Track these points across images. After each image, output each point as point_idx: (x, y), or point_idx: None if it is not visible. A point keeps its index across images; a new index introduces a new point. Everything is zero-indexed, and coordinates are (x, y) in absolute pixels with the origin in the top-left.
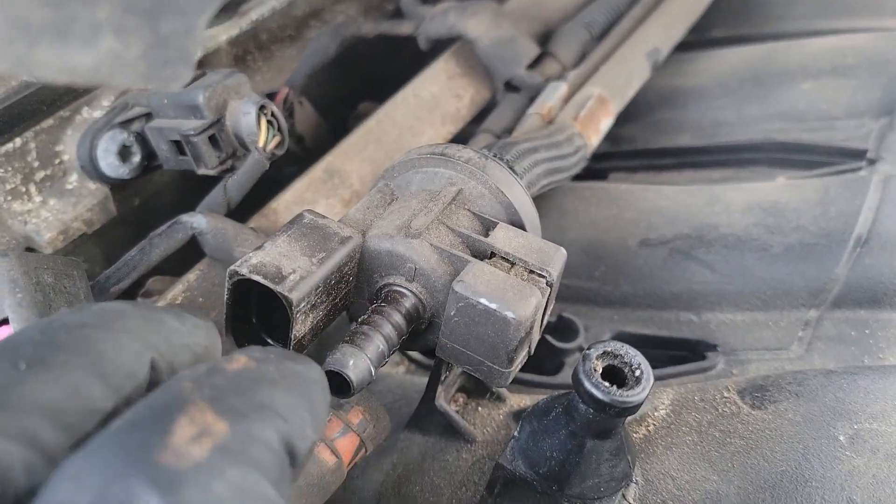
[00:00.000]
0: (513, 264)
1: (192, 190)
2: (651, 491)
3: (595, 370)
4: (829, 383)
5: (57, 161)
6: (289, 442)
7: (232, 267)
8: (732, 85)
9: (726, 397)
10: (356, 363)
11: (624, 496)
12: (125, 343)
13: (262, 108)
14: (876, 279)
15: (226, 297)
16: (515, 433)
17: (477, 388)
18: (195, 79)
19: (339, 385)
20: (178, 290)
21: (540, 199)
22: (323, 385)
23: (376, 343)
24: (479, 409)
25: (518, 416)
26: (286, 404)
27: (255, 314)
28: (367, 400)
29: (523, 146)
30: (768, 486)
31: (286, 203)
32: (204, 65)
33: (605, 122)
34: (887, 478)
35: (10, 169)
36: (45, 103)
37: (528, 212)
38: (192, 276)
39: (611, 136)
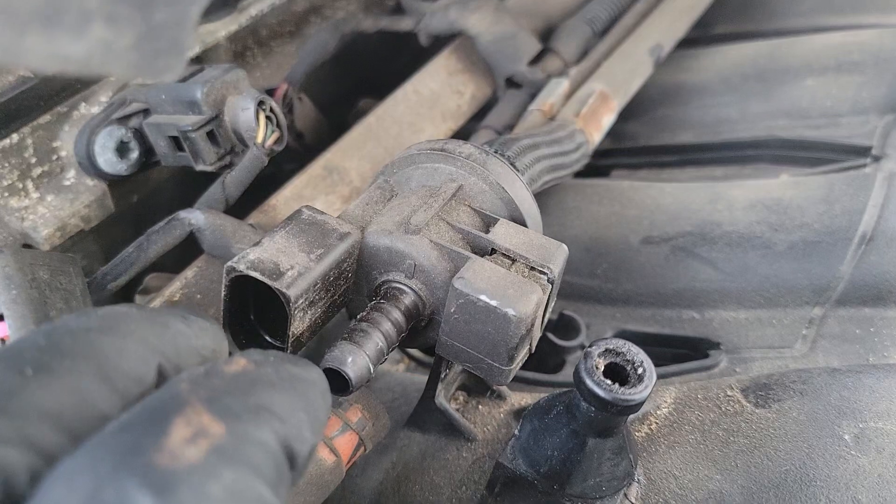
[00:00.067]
0: (514, 261)
1: (190, 186)
2: (653, 490)
3: (597, 368)
4: (833, 382)
5: (54, 157)
6: (287, 444)
7: (229, 263)
8: (736, 81)
9: (729, 396)
10: (355, 360)
11: (626, 495)
12: (131, 347)
13: (260, 103)
14: (881, 277)
15: (223, 293)
16: (516, 432)
17: (477, 386)
18: (193, 74)
19: (338, 383)
20: (175, 286)
21: (542, 196)
22: (323, 388)
23: (375, 340)
24: (480, 407)
25: (519, 414)
26: (284, 406)
27: (253, 311)
28: (367, 398)
29: (524, 142)
30: (772, 485)
31: (285, 199)
32: (203, 60)
33: (607, 119)
34: (893, 477)
35: (6, 165)
36: (42, 99)
37: (530, 208)
38: (189, 272)
39: (613, 133)
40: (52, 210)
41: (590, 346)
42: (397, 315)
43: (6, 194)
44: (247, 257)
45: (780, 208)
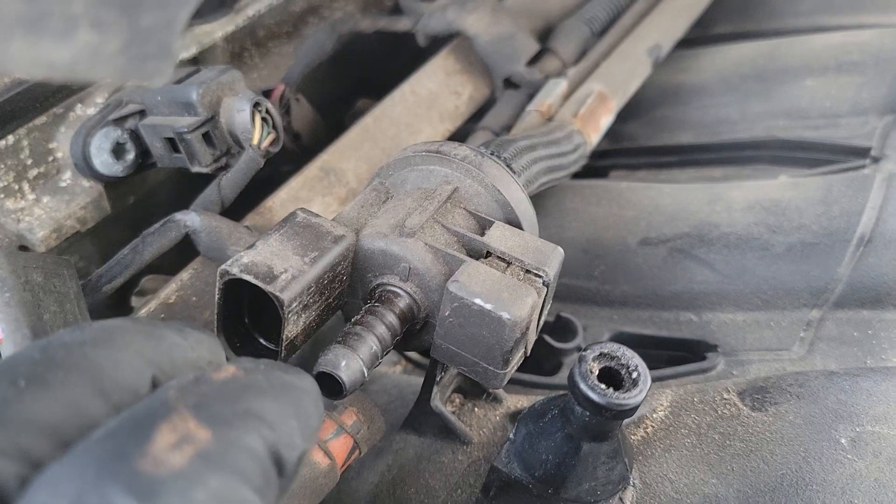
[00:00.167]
0: (509, 264)
1: (187, 188)
2: (649, 494)
3: (591, 372)
4: (830, 385)
5: (50, 158)
6: (275, 450)
7: (223, 266)
8: (735, 82)
9: (726, 399)
10: (348, 364)
11: (621, 499)
12: (125, 359)
13: (256, 104)
14: (879, 279)
15: (217, 297)
16: (511, 435)
17: (473, 389)
18: (189, 75)
19: (332, 386)
20: (171, 289)
21: (539, 198)
22: (314, 395)
23: (369, 344)
24: (476, 410)
25: (515, 417)
26: (273, 413)
27: (247, 314)
28: (362, 401)
29: (521, 144)
30: (768, 489)
31: (281, 201)
32: (200, 61)
33: (606, 120)
34: (889, 481)
35: (2, 167)
36: (37, 100)
37: (525, 210)
38: (185, 275)
39: (611, 134)
40: (48, 212)
41: (584, 349)
42: (392, 318)
43: (2, 196)
44: (240, 260)
45: (779, 210)
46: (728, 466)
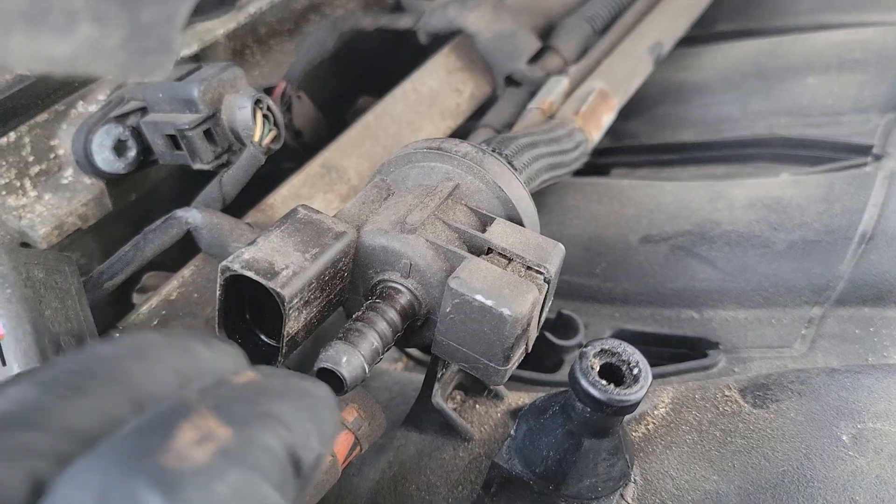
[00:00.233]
0: (510, 260)
1: (189, 185)
2: (650, 490)
3: (592, 368)
4: (832, 382)
5: (52, 156)
6: (293, 451)
7: (224, 262)
8: (736, 80)
9: (727, 396)
10: (349, 360)
11: (622, 496)
12: (157, 371)
13: (257, 101)
14: (881, 276)
15: (218, 293)
16: (512, 432)
17: (474, 386)
18: (191, 72)
19: (333, 383)
20: (172, 285)
21: (540, 195)
22: (330, 402)
23: (370, 340)
24: (477, 406)
25: (516, 414)
26: (291, 415)
27: (248, 311)
28: (363, 397)
29: (523, 141)
30: (769, 486)
31: (283, 198)
32: (201, 59)
33: (607, 117)
34: (891, 478)
35: (4, 163)
36: (39, 97)
37: (527, 207)
38: (186, 271)
39: (613, 132)
40: (50, 209)
41: (585, 346)
42: (393, 315)
43: (3, 193)
44: (241, 257)
45: (780, 207)
46: (729, 463)
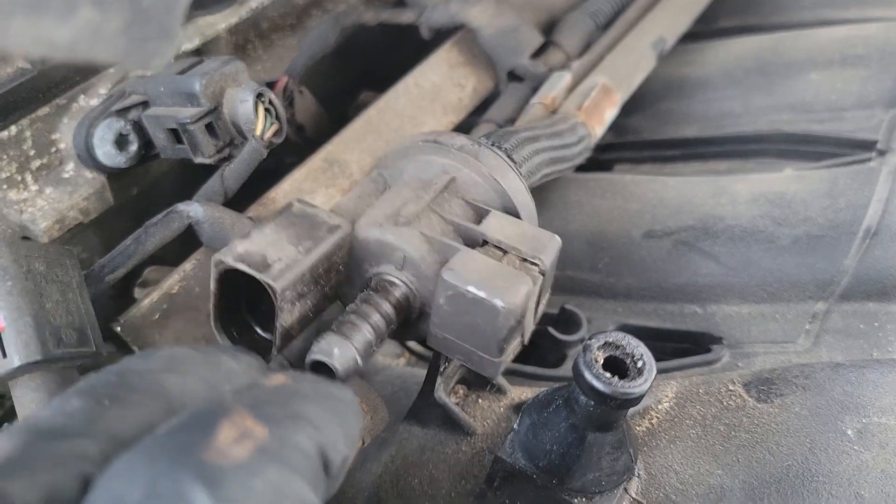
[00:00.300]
0: (505, 252)
1: (190, 179)
2: (654, 485)
3: (596, 361)
4: (836, 376)
5: (53, 149)
6: (323, 451)
7: (216, 255)
8: (739, 75)
9: (731, 390)
10: (342, 352)
11: (626, 490)
12: (190, 384)
13: (259, 95)
14: (885, 271)
15: (212, 286)
16: (515, 426)
17: (477, 380)
18: (192, 66)
19: (325, 374)
20: (174, 279)
21: (543, 190)
22: (355, 407)
23: (363, 332)
24: (480, 401)
25: (519, 408)
26: (320, 417)
27: (245, 304)
28: (365, 391)
29: (523, 135)
30: (774, 480)
31: (284, 193)
32: (203, 53)
33: (610, 113)
34: None
35: (5, 157)
36: (40, 91)
37: (523, 199)
38: (188, 265)
39: (616, 127)
40: (51, 203)
41: (589, 338)
42: (387, 307)
43: (4, 187)
44: (234, 250)
45: (784, 202)
46: (734, 458)
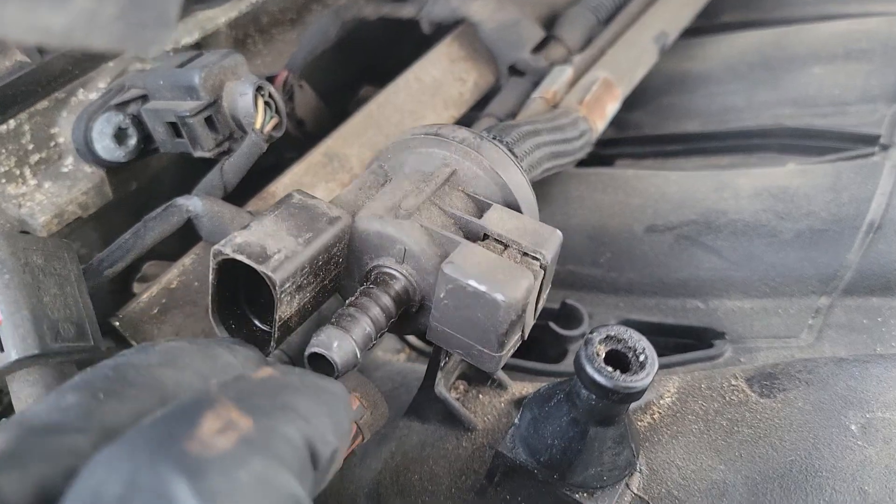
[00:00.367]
0: (506, 246)
1: (190, 173)
2: (655, 480)
3: (598, 354)
4: (840, 371)
5: (52, 143)
6: (311, 443)
7: (216, 246)
8: (742, 70)
9: (734, 385)
10: (340, 345)
11: (627, 485)
12: (186, 378)
13: (259, 88)
14: (889, 266)
15: (211, 277)
16: (516, 420)
17: (478, 376)
18: (191, 59)
19: (324, 368)
20: (173, 274)
21: (545, 185)
22: (346, 400)
23: (363, 325)
24: (480, 396)
25: (520, 404)
26: (308, 409)
27: (243, 296)
28: (365, 386)
29: (524, 129)
30: (777, 476)
31: (284, 187)
32: (202, 47)
33: (611, 107)
34: None
35: (3, 151)
36: (39, 84)
37: (525, 193)
38: (187, 260)
39: (617, 122)
40: (50, 197)
41: (591, 332)
42: (387, 300)
43: (3, 181)
44: (233, 241)
45: (787, 196)
46: (736, 453)
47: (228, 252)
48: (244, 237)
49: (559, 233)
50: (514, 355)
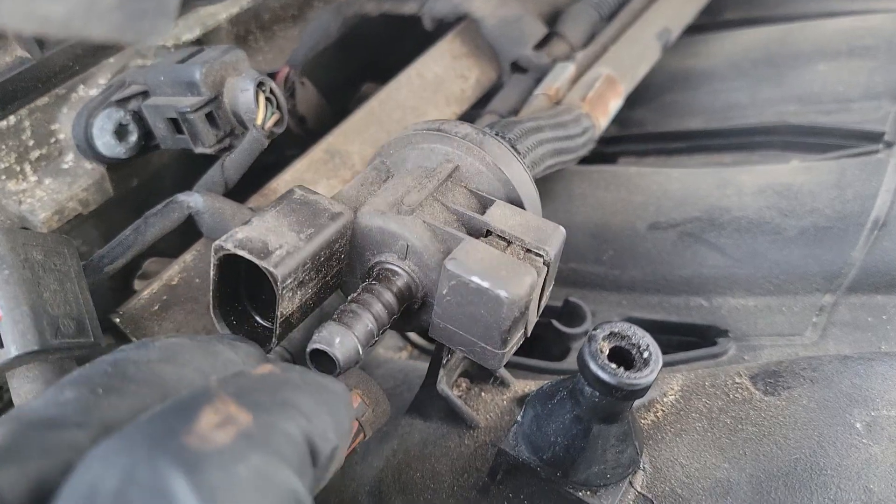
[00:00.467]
0: (509, 243)
1: (191, 170)
2: (659, 478)
3: (601, 351)
4: (844, 369)
5: (52, 140)
6: (310, 439)
7: (217, 242)
8: (746, 67)
9: (738, 383)
10: (343, 341)
11: (631, 483)
12: (187, 374)
13: (260, 84)
14: (894, 263)
15: (212, 273)
16: (519, 418)
17: (480, 373)
18: (192, 55)
19: (326, 364)
20: (174, 270)
21: (548, 182)
22: (346, 398)
23: (365, 322)
24: (483, 394)
25: (522, 401)
26: (308, 406)
27: (245, 292)
28: (367, 384)
29: (527, 125)
30: (781, 474)
31: (286, 183)
32: (203, 44)
33: (614, 104)
34: None
35: (3, 147)
36: (39, 80)
37: (528, 190)
38: (188, 256)
39: (620, 120)
40: (50, 193)
41: (594, 329)
42: (389, 297)
43: (3, 177)
44: (235, 236)
45: (791, 193)
46: (740, 451)
47: (230, 248)
48: (246, 233)
49: (562, 229)
50: (516, 353)
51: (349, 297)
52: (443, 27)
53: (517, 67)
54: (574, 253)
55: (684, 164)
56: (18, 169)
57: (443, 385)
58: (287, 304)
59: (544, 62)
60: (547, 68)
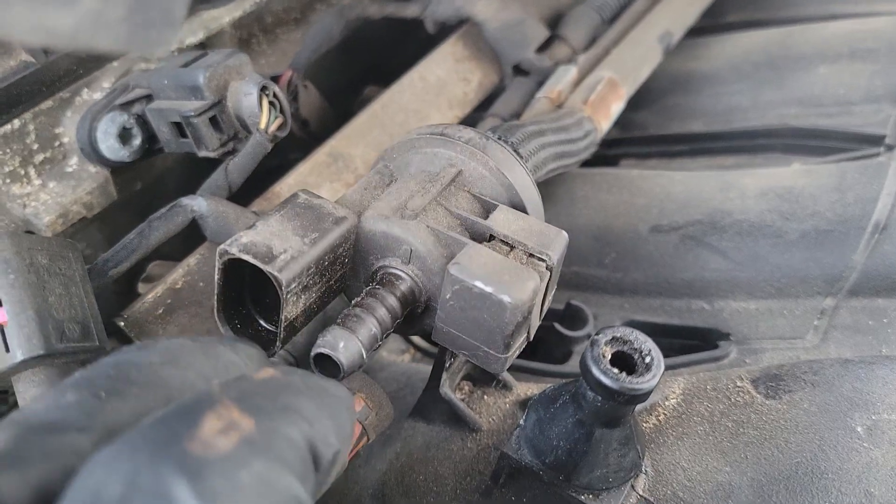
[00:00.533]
0: (512, 247)
1: (194, 173)
2: (661, 482)
3: (604, 356)
4: (846, 373)
5: (56, 143)
6: (312, 444)
7: (222, 246)
8: (747, 69)
9: (739, 387)
10: (346, 346)
11: (633, 487)
12: (189, 376)
13: (263, 88)
14: (894, 267)
15: (216, 277)
16: (521, 421)
17: (483, 377)
18: (196, 59)
19: (330, 368)
20: (178, 274)
21: (550, 185)
22: (348, 402)
23: (368, 326)
24: (485, 397)
25: (525, 405)
26: (310, 410)
27: (249, 296)
28: (370, 387)
29: (529, 129)
30: (783, 477)
31: (289, 187)
32: (207, 47)
33: (616, 107)
34: None
35: (8, 151)
36: (44, 84)
37: (530, 194)
38: (192, 260)
39: (622, 122)
40: (55, 197)
41: (596, 333)
42: (392, 301)
43: (8, 181)
44: (239, 240)
45: (792, 197)
46: (742, 454)
47: (235, 252)
48: (250, 237)
49: (565, 234)
50: (519, 356)
51: (353, 302)
52: (445, 30)
53: (519, 70)
54: (576, 256)
55: (686, 167)
56: (23, 172)
57: (446, 388)
58: (291, 309)
59: (546, 65)
60: (549, 71)
